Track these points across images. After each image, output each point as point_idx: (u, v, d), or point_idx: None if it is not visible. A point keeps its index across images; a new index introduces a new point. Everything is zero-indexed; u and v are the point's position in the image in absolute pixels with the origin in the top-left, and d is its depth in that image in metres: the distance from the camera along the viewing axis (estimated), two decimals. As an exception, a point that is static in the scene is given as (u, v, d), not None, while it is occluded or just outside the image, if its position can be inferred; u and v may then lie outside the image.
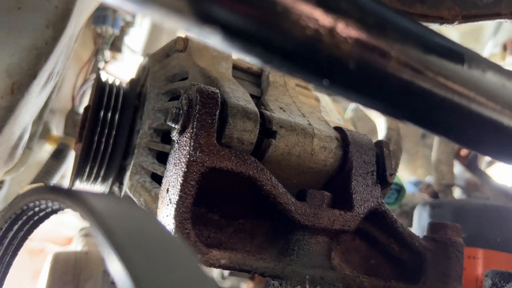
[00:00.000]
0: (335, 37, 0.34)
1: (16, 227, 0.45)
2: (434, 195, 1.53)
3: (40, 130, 1.11)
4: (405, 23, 0.39)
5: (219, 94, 0.63)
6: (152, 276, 0.22)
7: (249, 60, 0.37)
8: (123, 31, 1.63)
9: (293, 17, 0.33)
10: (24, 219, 0.43)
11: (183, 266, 0.23)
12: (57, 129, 1.39)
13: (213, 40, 0.34)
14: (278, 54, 0.35)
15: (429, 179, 1.77)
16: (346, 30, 0.34)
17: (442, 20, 0.61)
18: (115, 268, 0.24)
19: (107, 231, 0.26)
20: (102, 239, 0.26)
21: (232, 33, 0.33)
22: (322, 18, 0.33)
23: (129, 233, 0.26)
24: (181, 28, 0.34)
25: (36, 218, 0.44)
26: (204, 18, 0.32)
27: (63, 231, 1.56)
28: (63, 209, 0.40)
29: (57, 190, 0.35)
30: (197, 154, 0.59)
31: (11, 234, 0.45)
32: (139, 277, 0.22)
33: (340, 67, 0.36)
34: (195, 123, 0.60)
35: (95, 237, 0.26)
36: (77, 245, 1.15)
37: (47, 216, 0.43)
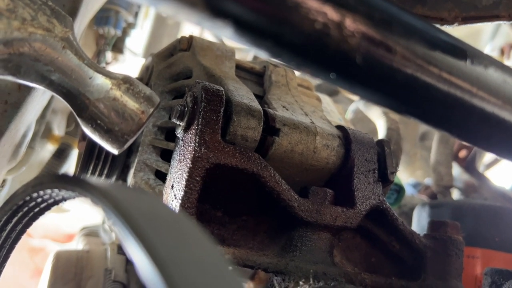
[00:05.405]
0: (343, 32, 0.35)
1: (15, 219, 0.44)
2: (433, 196, 1.54)
3: (43, 130, 1.11)
4: (410, 19, 0.41)
5: (223, 92, 0.64)
6: (172, 256, 0.22)
7: (259, 54, 0.38)
8: (125, 33, 1.63)
9: (303, 11, 0.34)
10: (24, 210, 0.43)
11: (199, 245, 0.24)
12: (59, 129, 1.39)
13: (224, 33, 0.35)
14: (288, 48, 0.36)
15: (428, 180, 1.78)
16: (353, 24, 0.35)
17: (442, 21, 0.62)
18: (133, 249, 0.24)
19: (123, 214, 0.26)
20: (118, 222, 0.26)
21: (243, 26, 0.34)
22: (330, 12, 0.34)
23: (144, 214, 0.26)
24: (193, 22, 0.35)
25: (37, 209, 0.43)
26: (217, 11, 0.33)
27: (63, 229, 1.56)
28: (66, 200, 0.41)
29: (67, 178, 0.35)
30: (202, 150, 0.60)
31: (9, 226, 0.45)
32: (160, 258, 0.22)
33: (347, 61, 0.37)
34: (200, 120, 0.61)
35: (109, 221, 0.27)
36: (78, 244, 1.16)
37: (48, 207, 0.43)
